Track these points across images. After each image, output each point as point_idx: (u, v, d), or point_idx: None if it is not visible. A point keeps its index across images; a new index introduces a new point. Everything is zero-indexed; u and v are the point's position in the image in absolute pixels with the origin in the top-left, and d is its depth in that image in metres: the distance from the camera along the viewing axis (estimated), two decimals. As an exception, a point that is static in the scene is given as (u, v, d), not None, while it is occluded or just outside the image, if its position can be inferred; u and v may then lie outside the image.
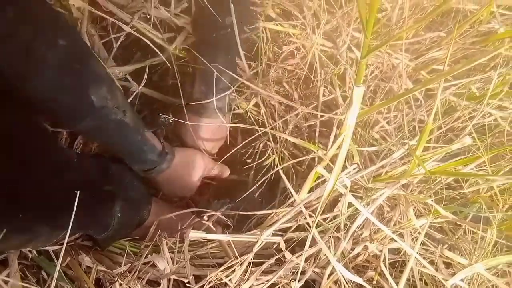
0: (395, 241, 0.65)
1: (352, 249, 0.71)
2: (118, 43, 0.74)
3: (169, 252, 0.62)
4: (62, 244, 0.65)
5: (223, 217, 0.76)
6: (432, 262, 0.75)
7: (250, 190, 0.85)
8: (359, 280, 0.62)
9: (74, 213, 0.49)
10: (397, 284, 0.66)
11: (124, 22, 0.73)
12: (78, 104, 0.61)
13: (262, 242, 0.61)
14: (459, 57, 0.92)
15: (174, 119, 0.83)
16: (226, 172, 0.93)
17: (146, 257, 0.56)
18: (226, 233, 0.63)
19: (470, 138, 0.66)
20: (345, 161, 0.78)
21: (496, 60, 0.88)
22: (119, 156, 0.76)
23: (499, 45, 0.87)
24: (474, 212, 0.74)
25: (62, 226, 0.58)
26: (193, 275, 0.65)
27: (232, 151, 0.85)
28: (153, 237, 0.75)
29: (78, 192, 0.51)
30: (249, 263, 0.61)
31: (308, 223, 0.71)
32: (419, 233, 0.71)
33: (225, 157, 0.89)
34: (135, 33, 0.73)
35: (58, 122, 0.74)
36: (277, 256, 0.67)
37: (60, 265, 0.64)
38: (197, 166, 0.87)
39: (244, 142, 0.84)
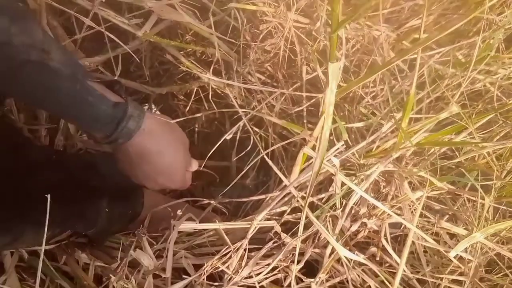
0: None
1: (350, 226, 0.70)
2: (82, 33, 0.68)
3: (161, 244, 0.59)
4: (55, 243, 0.62)
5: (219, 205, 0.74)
6: (436, 234, 0.73)
7: (241, 174, 0.80)
8: (359, 258, 0.60)
9: (50, 210, 0.43)
10: (400, 258, 0.64)
11: (85, 10, 0.68)
12: None
13: (256, 227, 0.58)
14: (442, 24, 0.90)
15: (157, 109, 0.77)
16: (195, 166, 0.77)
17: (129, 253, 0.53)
18: (216, 221, 0.60)
19: (457, 106, 0.65)
20: (334, 139, 0.76)
21: (478, 25, 0.87)
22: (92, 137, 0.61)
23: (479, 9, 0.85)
24: (471, 181, 0.73)
25: (46, 225, 0.54)
26: (193, 264, 0.63)
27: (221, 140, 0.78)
28: (149, 231, 0.73)
29: (56, 190, 0.46)
30: (246, 249, 0.59)
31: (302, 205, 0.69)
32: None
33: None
34: (92, 24, 0.67)
35: None
36: (274, 239, 0.65)
37: (57, 263, 0.61)
38: (183, 140, 0.71)
39: (232, 131, 0.79)
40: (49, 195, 0.45)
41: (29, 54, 0.50)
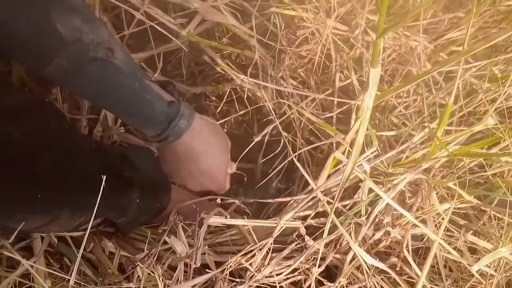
0: (418, 226, 0.63)
1: (373, 234, 0.70)
2: (130, 29, 0.71)
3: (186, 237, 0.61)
4: (85, 230, 0.65)
5: (242, 205, 0.75)
6: (457, 249, 0.73)
7: (268, 178, 0.82)
8: (381, 265, 0.60)
9: (86, 196, 0.46)
10: (421, 270, 0.64)
11: (135, 8, 0.71)
12: (41, 37, 0.50)
13: (282, 227, 0.60)
14: (480, 38, 0.89)
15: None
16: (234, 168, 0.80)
17: (164, 241, 0.56)
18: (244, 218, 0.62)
19: (492, 118, 0.64)
20: (364, 147, 0.77)
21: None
22: (133, 131, 0.65)
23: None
24: (500, 196, 0.72)
25: (82, 209, 0.57)
26: (214, 261, 0.65)
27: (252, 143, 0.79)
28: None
29: (103, 176, 0.47)
30: (269, 249, 0.60)
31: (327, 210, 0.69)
32: (443, 218, 0.69)
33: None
34: (144, 19, 0.70)
35: (26, 67, 0.63)
36: (297, 241, 0.66)
37: (83, 250, 0.63)
38: (227, 143, 0.74)
39: (262, 134, 0.81)
40: (102, 180, 0.47)
41: (97, 52, 0.53)
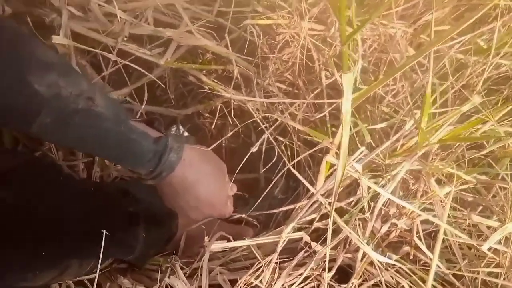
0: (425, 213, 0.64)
1: (381, 227, 0.70)
2: (109, 70, 0.73)
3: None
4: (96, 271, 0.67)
5: (250, 218, 0.76)
6: (473, 225, 0.73)
7: (270, 186, 0.83)
8: (389, 260, 0.61)
9: (90, 242, 0.47)
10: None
11: (109, 48, 0.73)
12: (20, 99, 0.50)
13: (285, 240, 0.61)
14: (461, 11, 0.89)
15: (185, 129, 0.80)
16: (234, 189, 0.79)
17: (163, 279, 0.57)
18: (245, 238, 0.63)
19: (479, 96, 0.64)
20: (358, 143, 0.77)
21: (497, 10, 0.85)
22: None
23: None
24: (499, 171, 0.72)
25: (88, 256, 0.58)
26: (229, 279, 0.65)
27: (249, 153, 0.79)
28: (185, 251, 0.77)
29: (95, 221, 0.50)
30: (277, 262, 0.61)
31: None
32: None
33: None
34: (118, 59, 0.72)
35: (13, 127, 0.63)
36: (305, 249, 0.66)
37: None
38: (221, 167, 0.74)
39: (256, 145, 0.82)
40: (104, 232, 0.48)
41: (77, 104, 0.54)
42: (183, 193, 0.68)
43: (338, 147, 0.65)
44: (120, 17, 0.71)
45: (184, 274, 0.63)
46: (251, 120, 0.81)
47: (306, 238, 0.63)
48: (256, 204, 0.89)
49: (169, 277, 0.57)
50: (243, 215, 0.73)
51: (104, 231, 0.51)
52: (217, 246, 0.59)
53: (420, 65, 0.86)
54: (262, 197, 0.76)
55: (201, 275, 0.57)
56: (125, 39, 0.72)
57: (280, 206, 0.78)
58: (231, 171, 0.79)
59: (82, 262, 0.58)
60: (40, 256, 0.52)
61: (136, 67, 0.73)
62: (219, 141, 0.71)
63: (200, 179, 0.68)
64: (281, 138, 0.91)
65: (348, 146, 0.85)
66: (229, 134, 0.80)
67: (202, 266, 0.56)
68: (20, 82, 0.50)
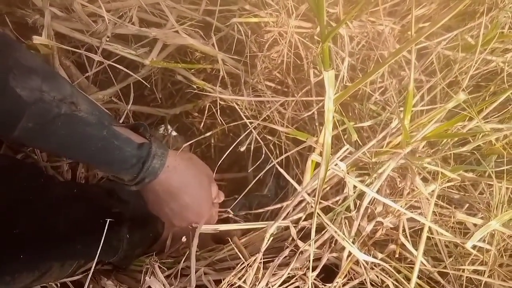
0: (411, 211, 0.64)
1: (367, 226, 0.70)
2: (93, 70, 0.72)
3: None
4: (82, 273, 0.66)
5: (237, 217, 0.76)
6: (460, 222, 0.73)
7: (252, 183, 0.81)
8: (374, 260, 0.61)
9: (73, 243, 0.47)
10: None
11: (94, 48, 0.72)
12: (2, 104, 0.50)
13: (269, 240, 0.60)
14: (450, 7, 0.88)
15: (173, 129, 0.80)
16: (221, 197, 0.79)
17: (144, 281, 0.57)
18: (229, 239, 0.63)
19: (464, 93, 0.64)
20: (344, 141, 0.77)
21: (484, 6, 0.85)
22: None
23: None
24: (485, 168, 0.72)
25: (71, 257, 0.58)
26: (214, 280, 0.65)
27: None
28: (173, 250, 0.76)
29: (78, 223, 0.49)
30: (261, 262, 0.61)
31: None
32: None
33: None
34: (102, 59, 0.71)
35: None
36: (291, 248, 0.66)
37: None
38: (206, 173, 0.74)
39: (244, 145, 0.82)
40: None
41: (60, 108, 0.54)
42: (167, 200, 0.68)
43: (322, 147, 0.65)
44: (104, 17, 0.71)
45: (169, 275, 0.63)
46: (241, 122, 0.81)
47: (293, 231, 0.62)
48: (244, 202, 0.89)
49: (150, 277, 0.56)
50: (231, 214, 0.73)
51: (87, 233, 0.51)
52: (207, 227, 0.59)
53: (408, 62, 0.85)
54: (246, 195, 0.76)
55: (185, 275, 0.57)
56: (107, 39, 0.71)
57: (269, 205, 0.78)
58: (220, 171, 0.79)
59: (63, 264, 0.58)
60: (19, 259, 0.51)
61: (120, 67, 0.73)
62: (201, 136, 0.71)
63: (185, 186, 0.68)
64: (269, 137, 0.91)
65: (334, 144, 0.85)
66: (211, 132, 0.79)
67: (189, 267, 0.56)
68: (3, 87, 0.50)
